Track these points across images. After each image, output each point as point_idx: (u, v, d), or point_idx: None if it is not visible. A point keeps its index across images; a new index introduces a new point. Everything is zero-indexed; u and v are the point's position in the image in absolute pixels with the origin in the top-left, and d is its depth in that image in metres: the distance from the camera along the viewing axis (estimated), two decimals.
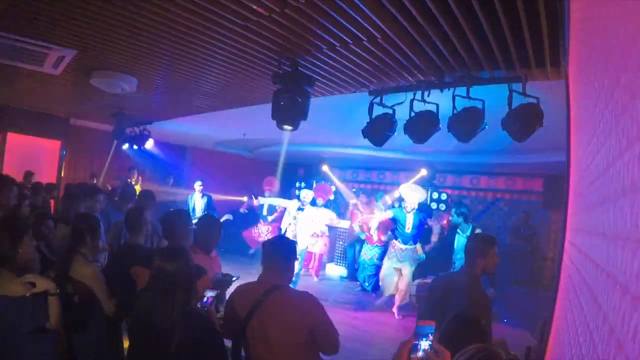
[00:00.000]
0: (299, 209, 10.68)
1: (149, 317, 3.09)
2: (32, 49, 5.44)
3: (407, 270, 9.17)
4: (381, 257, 10.40)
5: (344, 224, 12.39)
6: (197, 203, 12.34)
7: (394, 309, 9.27)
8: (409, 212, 9.33)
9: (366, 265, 10.92)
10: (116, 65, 6.09)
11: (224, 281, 4.50)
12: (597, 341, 1.26)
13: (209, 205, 12.35)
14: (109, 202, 7.79)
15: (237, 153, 15.99)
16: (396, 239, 9.49)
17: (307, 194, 10.86)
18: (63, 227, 5.18)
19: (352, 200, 12.52)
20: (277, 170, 13.71)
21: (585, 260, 1.81)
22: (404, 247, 9.32)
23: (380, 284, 9.80)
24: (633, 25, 1.05)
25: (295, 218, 10.67)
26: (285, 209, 11.31)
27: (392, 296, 9.48)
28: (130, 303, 3.59)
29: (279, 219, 11.76)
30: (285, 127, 5.61)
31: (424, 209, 10.25)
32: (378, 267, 10.50)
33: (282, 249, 3.58)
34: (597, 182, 1.62)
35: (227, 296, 3.86)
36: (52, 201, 9.25)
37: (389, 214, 9.64)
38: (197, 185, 12.46)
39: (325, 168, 14.27)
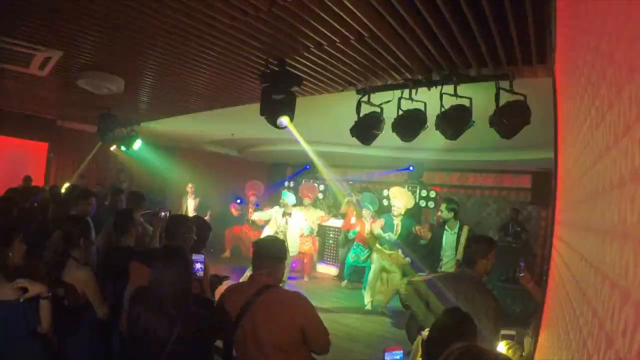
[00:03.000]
0: (284, 214, 10.54)
1: (146, 318, 3.09)
2: (18, 50, 5.40)
3: (397, 277, 9.13)
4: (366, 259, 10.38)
5: (336, 222, 12.34)
6: (189, 205, 12.35)
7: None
8: (396, 217, 9.29)
9: (349, 265, 10.92)
10: (103, 66, 6.06)
11: (213, 281, 4.51)
12: (586, 336, 1.26)
13: (200, 207, 12.36)
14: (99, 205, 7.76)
15: (226, 153, 15.94)
16: (382, 246, 9.43)
17: (289, 197, 10.74)
18: (57, 232, 5.14)
19: (347, 198, 12.35)
20: (264, 170, 13.57)
21: (574, 255, 1.82)
22: (390, 252, 9.29)
23: (365, 291, 9.74)
24: (618, 22, 1.05)
25: (285, 222, 10.51)
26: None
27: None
28: (122, 303, 3.59)
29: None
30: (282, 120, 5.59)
31: (412, 215, 10.22)
32: (360, 268, 10.52)
33: (272, 249, 3.58)
34: (585, 178, 1.62)
35: (217, 297, 3.86)
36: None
37: (381, 223, 9.53)
38: (189, 187, 12.45)
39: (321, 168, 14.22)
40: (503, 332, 3.31)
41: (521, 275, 4.41)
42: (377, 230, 9.40)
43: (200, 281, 4.00)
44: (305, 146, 9.42)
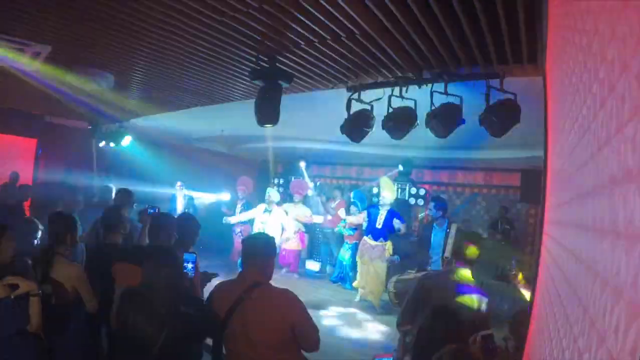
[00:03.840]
0: (266, 210, 10.59)
1: (136, 319, 3.07)
2: (7, 45, 5.35)
3: (380, 268, 9.18)
4: (353, 255, 10.42)
5: (317, 219, 12.36)
6: (179, 202, 12.31)
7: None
8: (381, 207, 9.36)
9: (344, 264, 10.95)
10: (92, 61, 6.02)
11: (202, 279, 4.49)
12: (577, 334, 1.26)
13: (190, 204, 12.32)
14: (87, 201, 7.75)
15: (216, 150, 15.85)
16: (367, 235, 9.50)
17: (273, 194, 10.77)
18: (43, 228, 5.10)
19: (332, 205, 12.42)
20: (255, 167, 13.55)
21: (564, 253, 1.82)
22: (374, 243, 9.32)
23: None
24: (612, 20, 1.05)
25: (264, 222, 10.58)
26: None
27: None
28: (110, 301, 3.56)
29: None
30: (267, 125, 5.63)
31: (400, 207, 10.29)
32: (348, 265, 10.58)
33: (261, 246, 3.57)
34: (576, 176, 1.63)
35: (206, 294, 3.85)
36: (26, 203, 9.11)
37: (361, 219, 9.65)
38: (177, 185, 12.44)
39: (301, 165, 14.23)
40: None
41: (512, 273, 4.43)
42: (342, 214, 9.58)
43: (191, 280, 3.99)
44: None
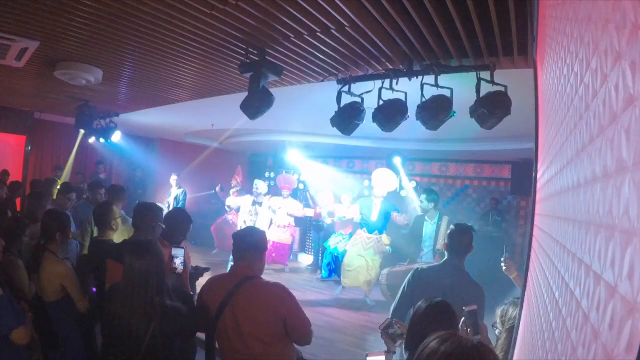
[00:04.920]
0: (254, 203, 10.58)
1: (122, 314, 3.06)
2: None
3: (371, 259, 9.16)
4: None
5: (308, 212, 12.37)
6: (173, 196, 12.35)
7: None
8: (376, 199, 9.33)
9: (328, 252, 10.89)
10: (80, 56, 5.96)
11: (194, 273, 4.47)
12: (570, 328, 1.25)
13: (181, 197, 12.33)
14: (78, 197, 7.70)
15: (206, 144, 15.82)
16: (361, 228, 9.48)
17: (261, 185, 10.77)
18: (32, 226, 5.06)
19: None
20: (244, 160, 13.56)
21: (556, 246, 1.81)
22: (369, 235, 9.31)
23: (342, 277, 9.68)
24: (605, 10, 1.04)
25: (256, 214, 10.58)
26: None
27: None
28: (102, 299, 3.55)
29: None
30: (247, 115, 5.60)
31: (393, 200, 10.28)
32: (337, 256, 10.53)
33: (252, 241, 3.56)
34: (567, 168, 1.61)
35: (198, 288, 3.84)
36: (17, 199, 9.05)
37: (356, 212, 9.59)
38: (172, 179, 12.44)
39: (293, 156, 14.23)
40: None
41: (504, 265, 4.42)
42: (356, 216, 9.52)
43: (180, 275, 3.97)
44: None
